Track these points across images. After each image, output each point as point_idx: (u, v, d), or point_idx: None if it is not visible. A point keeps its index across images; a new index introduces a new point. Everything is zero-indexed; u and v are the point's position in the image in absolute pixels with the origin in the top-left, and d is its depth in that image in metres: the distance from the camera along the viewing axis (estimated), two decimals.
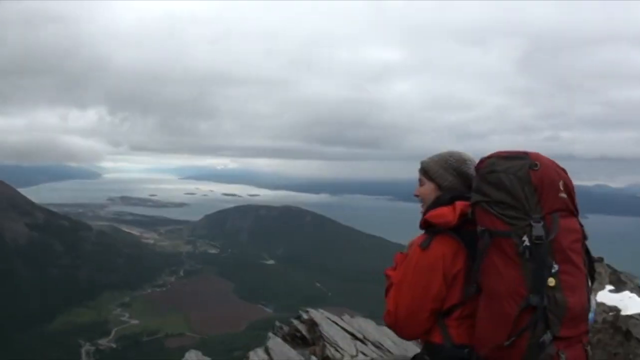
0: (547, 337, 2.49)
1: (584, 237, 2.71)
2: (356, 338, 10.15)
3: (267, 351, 9.14)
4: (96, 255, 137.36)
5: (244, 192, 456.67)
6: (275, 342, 9.52)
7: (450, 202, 2.93)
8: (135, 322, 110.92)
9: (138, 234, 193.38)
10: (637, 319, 7.76)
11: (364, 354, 9.46)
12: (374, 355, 9.47)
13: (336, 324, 10.64)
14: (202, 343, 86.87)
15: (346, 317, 11.39)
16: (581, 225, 2.71)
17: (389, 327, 3.00)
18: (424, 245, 2.84)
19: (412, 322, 2.87)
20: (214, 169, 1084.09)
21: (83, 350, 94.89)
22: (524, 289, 2.51)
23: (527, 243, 2.51)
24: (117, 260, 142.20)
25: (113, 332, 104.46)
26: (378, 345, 10.06)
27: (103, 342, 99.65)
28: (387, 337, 10.59)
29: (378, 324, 11.45)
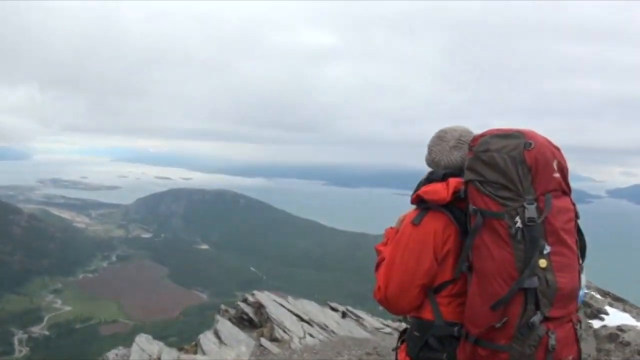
0: (537, 317, 2.49)
1: (577, 216, 2.74)
2: (302, 320, 10.50)
3: (216, 334, 9.22)
4: (27, 240, 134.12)
5: (177, 176, 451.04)
6: (224, 325, 9.65)
7: (444, 178, 2.92)
8: (68, 308, 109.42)
9: (70, 217, 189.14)
10: None
11: (311, 335, 9.74)
12: (320, 337, 9.79)
13: (282, 306, 11.04)
14: (136, 330, 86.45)
15: (290, 299, 12.02)
16: (573, 204, 2.73)
17: (379, 303, 2.96)
18: (416, 221, 2.83)
19: (402, 298, 2.86)
20: (146, 151, 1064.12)
21: (16, 339, 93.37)
22: (514, 270, 2.52)
23: (519, 225, 2.52)
24: (49, 245, 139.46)
25: (46, 320, 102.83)
26: (323, 327, 10.44)
27: (36, 329, 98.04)
28: (331, 318, 11.31)
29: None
